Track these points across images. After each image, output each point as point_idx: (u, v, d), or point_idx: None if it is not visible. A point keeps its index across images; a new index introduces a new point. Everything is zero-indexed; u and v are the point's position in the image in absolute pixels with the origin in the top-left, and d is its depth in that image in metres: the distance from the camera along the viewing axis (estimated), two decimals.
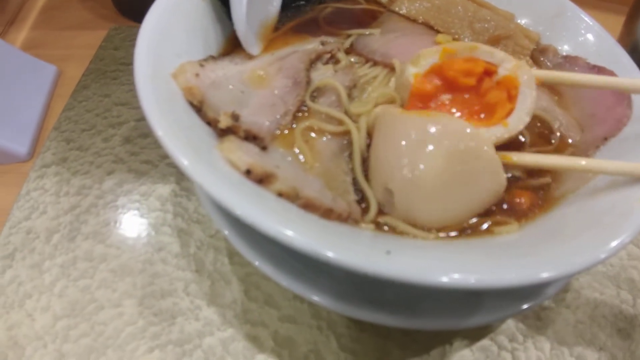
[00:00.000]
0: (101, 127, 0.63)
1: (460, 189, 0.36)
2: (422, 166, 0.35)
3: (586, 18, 0.54)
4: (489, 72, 0.41)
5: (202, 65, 0.43)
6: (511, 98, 0.40)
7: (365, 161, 0.41)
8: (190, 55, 0.44)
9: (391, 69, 0.47)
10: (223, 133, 0.39)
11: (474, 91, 0.41)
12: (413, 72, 0.41)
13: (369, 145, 0.41)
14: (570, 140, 0.46)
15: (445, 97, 0.41)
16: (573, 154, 0.45)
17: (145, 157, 0.60)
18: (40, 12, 0.83)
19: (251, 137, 0.38)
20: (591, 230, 0.35)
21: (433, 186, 0.35)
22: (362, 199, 0.39)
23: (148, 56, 0.40)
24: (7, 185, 0.59)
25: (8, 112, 0.63)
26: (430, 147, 0.35)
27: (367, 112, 0.41)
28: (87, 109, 0.65)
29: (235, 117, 0.39)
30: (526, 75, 0.40)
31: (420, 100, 0.41)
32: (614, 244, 0.33)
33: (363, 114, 0.41)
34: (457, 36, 0.52)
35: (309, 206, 0.34)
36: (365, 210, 0.38)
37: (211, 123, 0.39)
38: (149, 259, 0.51)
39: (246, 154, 0.35)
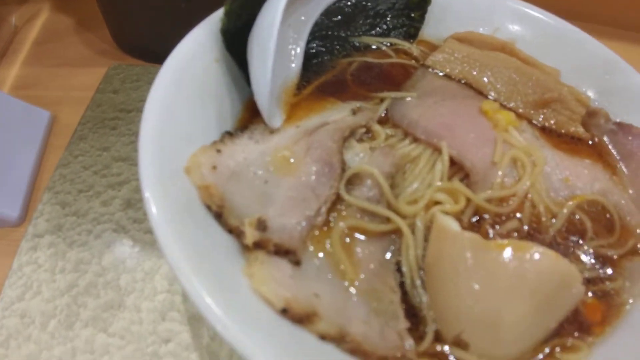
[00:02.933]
0: (100, 187, 0.56)
1: (542, 323, 0.31)
2: (506, 316, 0.30)
3: (638, 77, 0.48)
4: None
5: (219, 151, 0.37)
6: None
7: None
8: (203, 135, 0.39)
9: (435, 148, 0.41)
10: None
11: None
12: None
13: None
14: (638, 230, 0.40)
15: None
16: (635, 246, 0.40)
17: (149, 225, 0.53)
18: (33, 45, 0.76)
19: (282, 252, 0.32)
20: None
21: (516, 335, 0.30)
22: (414, 323, 0.33)
23: (154, 153, 0.34)
24: None
25: None
26: (519, 293, 0.30)
27: (420, 212, 0.36)
28: (83, 165, 0.58)
29: (261, 226, 0.33)
30: None
31: None
32: None
33: (417, 214, 0.36)
34: (503, 101, 0.46)
35: (357, 352, 0.28)
36: (418, 339, 0.32)
37: (233, 231, 0.33)
38: (156, 352, 0.46)
39: (281, 285, 0.29)
